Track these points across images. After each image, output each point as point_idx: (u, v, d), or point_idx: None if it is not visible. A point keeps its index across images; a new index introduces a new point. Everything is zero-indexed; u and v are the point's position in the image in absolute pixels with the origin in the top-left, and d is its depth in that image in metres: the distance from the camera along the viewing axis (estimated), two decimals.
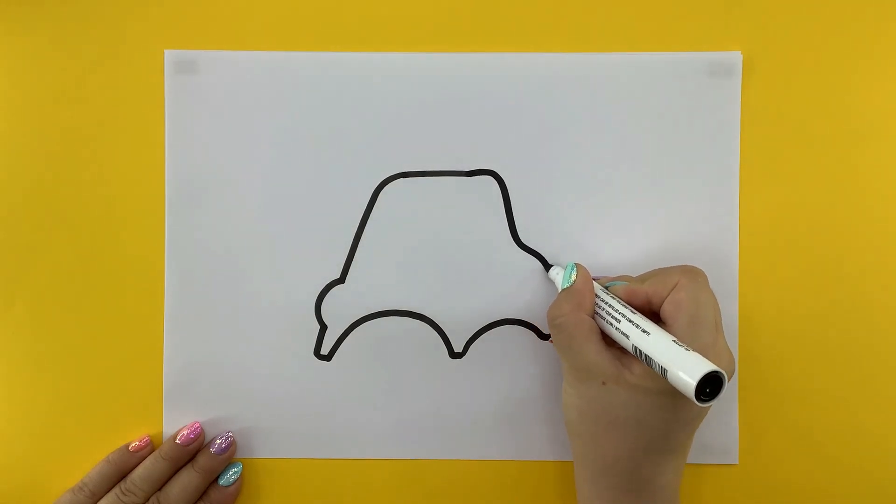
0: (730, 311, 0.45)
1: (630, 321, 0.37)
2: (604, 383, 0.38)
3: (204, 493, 0.44)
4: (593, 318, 0.40)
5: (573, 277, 0.41)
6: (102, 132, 0.45)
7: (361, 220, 0.45)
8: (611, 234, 0.45)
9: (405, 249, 0.45)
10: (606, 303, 0.40)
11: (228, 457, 0.44)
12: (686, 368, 0.33)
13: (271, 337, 0.45)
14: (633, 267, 0.45)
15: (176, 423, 0.45)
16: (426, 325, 0.45)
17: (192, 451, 0.44)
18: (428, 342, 0.45)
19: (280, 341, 0.45)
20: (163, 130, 0.45)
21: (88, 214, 0.45)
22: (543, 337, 0.45)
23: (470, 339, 0.45)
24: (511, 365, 0.45)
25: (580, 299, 0.40)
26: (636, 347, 0.36)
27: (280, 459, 0.45)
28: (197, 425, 0.44)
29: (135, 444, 0.44)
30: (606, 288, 0.41)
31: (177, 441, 0.44)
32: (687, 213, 0.45)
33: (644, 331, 0.36)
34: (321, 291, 0.45)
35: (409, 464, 0.45)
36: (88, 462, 0.45)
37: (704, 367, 0.32)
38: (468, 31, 0.45)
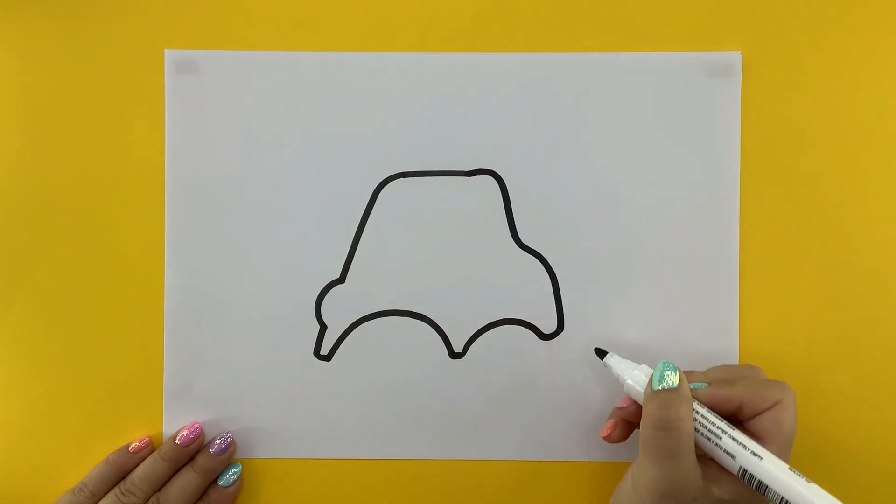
0: (730, 311, 0.45)
1: (734, 439, 0.37)
2: (695, 499, 0.37)
3: (203, 493, 0.44)
4: None
5: (676, 379, 0.38)
6: (102, 132, 0.45)
7: (361, 220, 0.45)
8: (611, 234, 0.45)
9: (405, 249, 0.45)
10: (701, 414, 0.38)
11: (228, 457, 0.44)
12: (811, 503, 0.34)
13: (271, 337, 0.45)
14: (634, 267, 0.45)
15: (176, 423, 0.45)
16: (426, 325, 0.45)
17: (191, 451, 0.44)
18: (428, 342, 0.45)
19: (280, 341, 0.45)
20: (163, 130, 0.45)
21: (88, 214, 0.45)
22: (543, 337, 0.45)
23: (470, 339, 0.45)
24: (511, 365, 0.45)
25: (690, 406, 0.38)
26: (745, 470, 0.36)
27: (280, 459, 0.45)
28: (196, 426, 0.44)
29: (134, 444, 0.44)
30: (692, 389, 0.39)
31: (176, 441, 0.44)
32: (687, 212, 0.45)
33: (754, 454, 0.36)
34: (321, 291, 0.45)
35: (408, 464, 0.45)
36: (88, 462, 0.45)
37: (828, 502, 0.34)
38: (468, 31, 0.45)
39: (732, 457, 0.36)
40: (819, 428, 0.45)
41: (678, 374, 0.38)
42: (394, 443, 0.45)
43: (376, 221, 0.45)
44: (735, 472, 0.36)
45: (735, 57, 0.45)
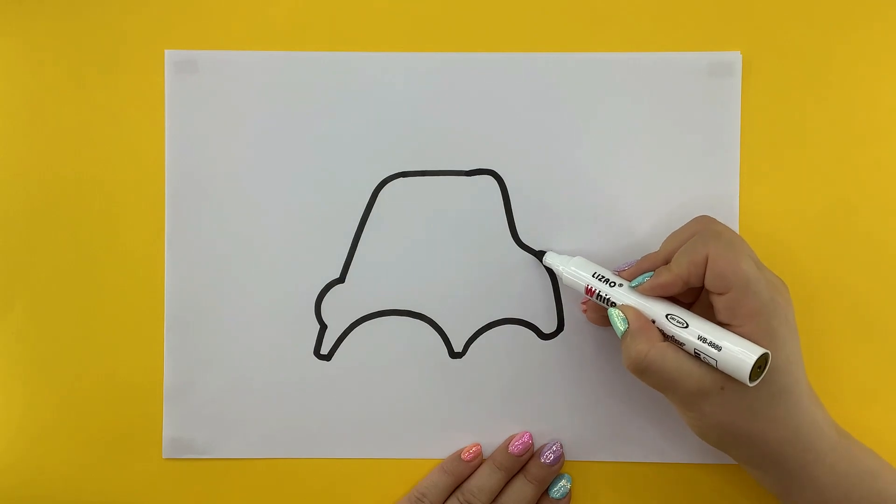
0: None
1: (677, 324, 0.38)
2: (722, 388, 0.37)
3: None
4: (666, 340, 0.38)
5: (626, 320, 0.39)
6: (102, 132, 0.45)
7: (361, 220, 0.45)
8: (611, 234, 0.45)
9: (405, 249, 0.45)
10: (668, 317, 0.39)
11: (559, 467, 0.44)
12: (732, 366, 0.36)
13: (271, 336, 0.45)
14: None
15: (176, 423, 0.45)
16: (426, 324, 0.45)
17: (524, 460, 0.44)
18: (428, 342, 0.45)
19: (280, 341, 0.45)
20: (163, 130, 0.45)
21: (88, 214, 0.45)
22: (543, 337, 0.45)
23: (470, 338, 0.45)
24: (511, 365, 0.45)
25: (647, 333, 0.38)
26: (696, 351, 0.37)
27: (280, 459, 0.45)
28: (528, 435, 0.44)
29: (468, 453, 0.44)
30: (633, 288, 0.39)
31: (510, 451, 0.44)
32: (687, 212, 0.45)
33: (682, 324, 0.37)
34: (321, 291, 0.45)
35: (408, 463, 0.45)
36: (88, 462, 0.45)
37: (752, 355, 0.35)
38: (468, 31, 0.45)
39: (682, 344, 0.37)
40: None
41: (618, 316, 0.39)
42: (394, 443, 0.45)
43: (376, 221, 0.45)
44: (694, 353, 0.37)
45: (735, 57, 0.45)
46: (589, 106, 0.45)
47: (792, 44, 0.45)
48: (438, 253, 0.45)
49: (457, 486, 0.44)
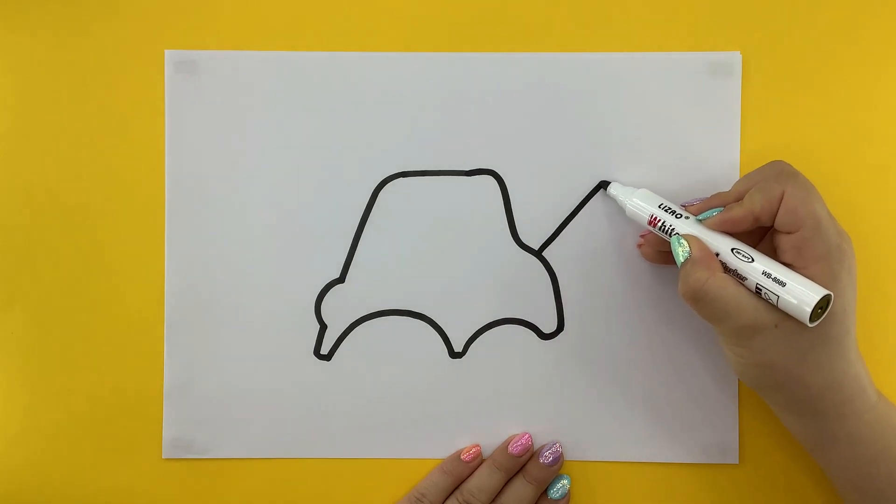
0: None
1: (743, 259, 0.37)
2: (777, 326, 0.36)
3: None
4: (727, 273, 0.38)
5: (688, 248, 0.38)
6: (102, 132, 0.45)
7: (361, 220, 0.45)
8: (611, 234, 0.45)
9: (405, 249, 0.45)
10: (732, 250, 0.38)
11: (558, 468, 0.44)
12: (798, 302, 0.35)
13: (271, 337, 0.45)
14: (633, 267, 0.45)
15: (176, 423, 0.45)
16: (426, 324, 0.45)
17: (523, 461, 0.44)
18: (428, 342, 0.45)
19: (280, 341, 0.45)
20: (163, 130, 0.45)
21: (88, 214, 0.45)
22: (543, 337, 0.45)
23: (470, 338, 0.45)
24: (511, 365, 0.45)
25: (709, 263, 0.37)
26: (757, 287, 0.37)
27: (279, 459, 0.45)
28: (528, 436, 0.44)
29: (467, 454, 0.44)
30: (700, 221, 0.39)
31: (509, 451, 0.44)
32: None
33: (749, 260, 0.37)
34: (321, 291, 0.45)
35: (408, 463, 0.45)
36: (88, 462, 0.45)
37: (815, 295, 0.35)
38: (468, 31, 0.45)
39: (743, 279, 0.37)
40: None
41: (680, 243, 0.38)
42: (394, 443, 0.45)
43: (376, 221, 0.45)
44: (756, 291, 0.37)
45: (735, 57, 0.45)
46: (589, 106, 0.45)
47: (792, 44, 0.45)
48: (438, 253, 0.45)
49: (456, 487, 0.44)
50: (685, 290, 0.38)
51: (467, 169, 0.45)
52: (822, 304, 0.36)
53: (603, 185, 0.44)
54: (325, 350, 0.45)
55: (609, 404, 0.45)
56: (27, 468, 0.45)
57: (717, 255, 0.38)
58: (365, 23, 0.45)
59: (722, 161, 0.45)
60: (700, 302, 0.37)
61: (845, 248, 0.37)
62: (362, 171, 0.45)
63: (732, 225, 0.38)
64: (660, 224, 0.40)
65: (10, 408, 0.45)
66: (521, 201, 0.45)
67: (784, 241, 0.37)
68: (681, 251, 0.38)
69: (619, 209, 0.45)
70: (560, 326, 0.45)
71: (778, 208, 0.37)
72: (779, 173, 0.38)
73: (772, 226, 0.38)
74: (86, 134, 0.45)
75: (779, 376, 0.38)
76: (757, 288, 0.37)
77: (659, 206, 0.41)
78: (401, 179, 0.45)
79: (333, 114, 0.45)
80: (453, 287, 0.45)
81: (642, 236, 0.43)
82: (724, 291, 0.37)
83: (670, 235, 0.40)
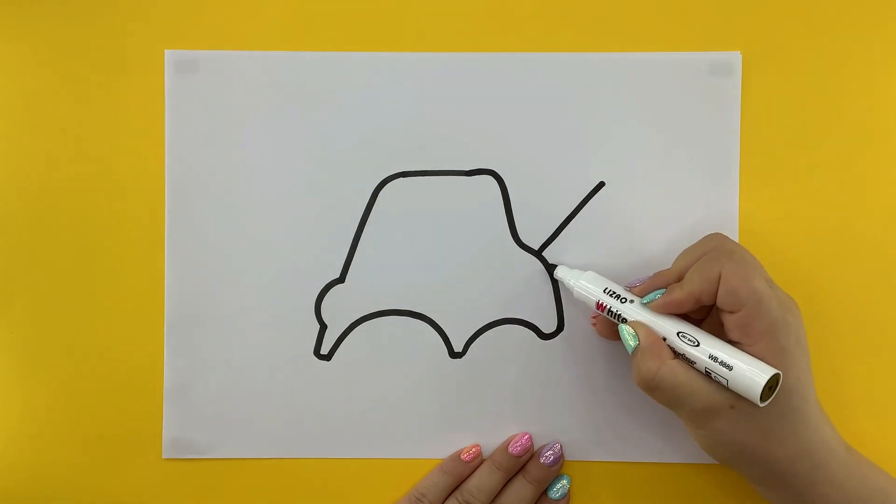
0: None
1: (687, 342, 0.38)
2: (732, 407, 0.37)
3: None
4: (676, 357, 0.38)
5: (636, 337, 0.39)
6: (102, 132, 0.45)
7: (361, 220, 0.45)
8: (611, 234, 0.45)
9: (405, 249, 0.45)
10: (677, 335, 0.38)
11: (559, 468, 0.44)
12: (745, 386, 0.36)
13: (271, 336, 0.45)
14: (633, 268, 0.45)
15: (176, 423, 0.45)
16: (426, 324, 0.45)
17: (523, 461, 0.44)
18: (428, 342, 0.45)
19: (280, 341, 0.45)
20: (163, 130, 0.45)
21: (88, 214, 0.45)
22: (543, 337, 0.45)
23: (470, 338, 0.45)
24: (511, 365, 0.45)
25: (657, 351, 0.38)
26: (706, 370, 0.37)
27: (279, 459, 0.45)
28: (528, 436, 0.44)
29: (467, 454, 0.44)
30: (645, 304, 0.39)
31: (509, 451, 0.44)
32: (687, 212, 0.45)
33: (692, 343, 0.37)
34: (321, 291, 0.45)
35: (408, 463, 0.45)
36: (89, 462, 0.45)
37: (763, 376, 0.35)
38: (468, 31, 0.45)
39: (692, 362, 0.37)
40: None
41: (629, 332, 0.39)
42: (394, 443, 0.45)
43: (376, 221, 0.45)
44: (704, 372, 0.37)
45: (735, 57, 0.45)
46: (589, 106, 0.45)
47: (792, 44, 0.45)
48: (438, 253, 0.45)
49: (456, 487, 0.44)
50: (638, 380, 0.38)
51: (467, 169, 0.45)
52: (772, 383, 0.36)
53: (549, 268, 0.45)
54: (325, 350, 0.45)
55: (609, 404, 0.45)
56: (27, 468, 0.45)
57: (665, 339, 0.38)
58: (365, 23, 0.45)
59: (722, 161, 0.45)
60: (655, 391, 0.38)
61: (790, 319, 0.37)
62: (362, 171, 0.45)
63: (676, 307, 0.38)
64: (607, 309, 0.41)
65: (9, 408, 0.45)
66: (521, 201, 0.45)
67: (728, 320, 0.37)
68: (630, 340, 0.39)
69: (619, 209, 0.45)
70: (560, 326, 0.45)
71: (716, 288, 0.37)
72: (715, 250, 0.38)
73: (714, 304, 0.38)
74: (86, 134, 0.45)
75: (745, 453, 0.38)
76: (706, 370, 0.37)
77: (605, 291, 0.41)
78: (401, 179, 0.45)
79: (333, 114, 0.45)
80: (453, 287, 0.45)
81: (594, 317, 0.44)
82: (676, 378, 0.37)
83: (618, 320, 0.40)
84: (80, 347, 0.45)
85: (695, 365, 0.37)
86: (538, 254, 0.45)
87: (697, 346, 0.37)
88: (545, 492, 0.44)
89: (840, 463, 0.38)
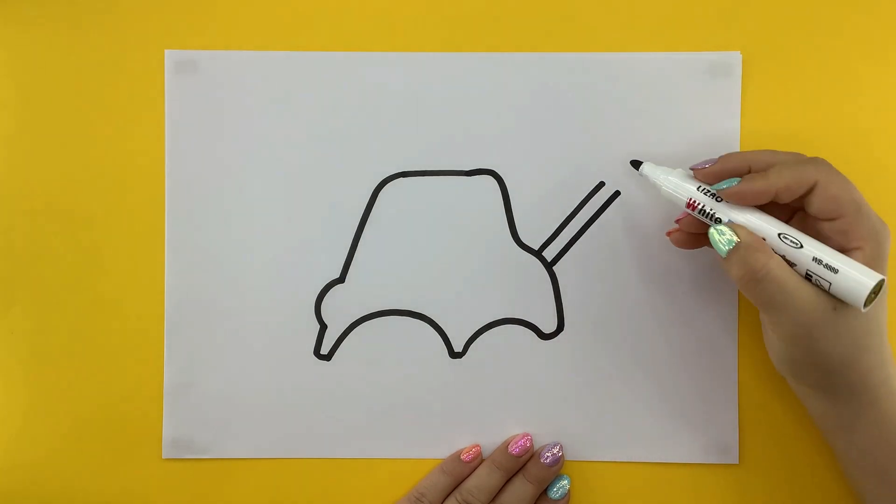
0: (729, 312, 0.45)
1: (791, 243, 0.37)
2: (835, 309, 0.36)
3: None
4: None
5: (735, 236, 0.37)
6: (102, 132, 0.45)
7: (361, 220, 0.45)
8: (611, 234, 0.45)
9: (405, 249, 0.45)
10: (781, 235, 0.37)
11: (559, 468, 0.44)
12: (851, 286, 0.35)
13: (271, 336, 0.45)
14: (633, 267, 0.45)
15: (176, 423, 0.45)
16: (426, 324, 0.45)
17: (523, 461, 0.44)
18: (428, 342, 0.45)
19: (280, 341, 0.45)
20: (163, 130, 0.45)
21: (88, 214, 0.45)
22: (543, 337, 0.45)
23: (470, 338, 0.45)
24: (511, 365, 0.45)
25: (765, 247, 0.36)
26: (808, 273, 0.36)
27: (279, 459, 0.45)
28: (528, 436, 0.44)
29: (467, 454, 0.44)
30: (714, 191, 0.38)
31: (510, 451, 0.44)
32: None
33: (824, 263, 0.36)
34: (321, 291, 0.45)
35: (408, 463, 0.45)
36: (89, 462, 0.45)
37: (870, 281, 0.35)
38: (468, 31, 0.45)
39: (792, 264, 0.36)
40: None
41: (729, 231, 0.37)
42: (394, 443, 0.45)
43: (376, 221, 0.45)
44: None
45: (735, 57, 0.45)
46: (589, 106, 0.45)
47: (792, 44, 0.45)
48: (438, 253, 0.45)
49: (456, 487, 0.44)
50: (744, 273, 0.36)
51: (467, 169, 0.45)
52: (876, 289, 0.35)
53: (634, 164, 0.43)
54: (325, 350, 0.45)
55: (609, 404, 0.45)
56: (27, 468, 0.45)
57: (764, 239, 0.37)
58: (365, 23, 0.45)
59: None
60: (760, 285, 0.36)
61: (886, 230, 0.37)
62: (362, 171, 0.45)
63: (754, 197, 0.37)
64: (699, 208, 0.39)
65: (10, 408, 0.45)
66: (521, 201, 0.45)
67: (826, 228, 0.37)
68: (727, 237, 0.37)
69: (619, 209, 0.45)
70: (560, 326, 0.45)
71: (806, 192, 0.37)
72: (811, 159, 0.38)
73: (787, 206, 0.38)
74: (86, 134, 0.45)
75: (834, 364, 0.37)
76: (807, 274, 0.36)
77: (698, 189, 0.39)
78: (401, 179, 0.45)
79: (333, 114, 0.45)
80: (453, 287, 0.45)
81: (678, 221, 0.41)
82: (784, 273, 0.36)
83: (711, 219, 0.38)
84: (81, 348, 0.45)
85: (794, 268, 0.36)
86: (538, 254, 0.45)
87: (800, 248, 0.36)
88: (545, 492, 0.44)
89: None
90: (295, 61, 0.45)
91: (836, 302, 0.36)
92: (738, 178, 0.38)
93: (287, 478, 0.45)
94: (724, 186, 0.38)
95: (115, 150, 0.45)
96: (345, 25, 0.45)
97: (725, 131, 0.45)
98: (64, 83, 0.45)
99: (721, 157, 0.39)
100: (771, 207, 0.38)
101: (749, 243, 0.36)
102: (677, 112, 0.45)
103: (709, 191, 0.39)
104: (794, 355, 0.38)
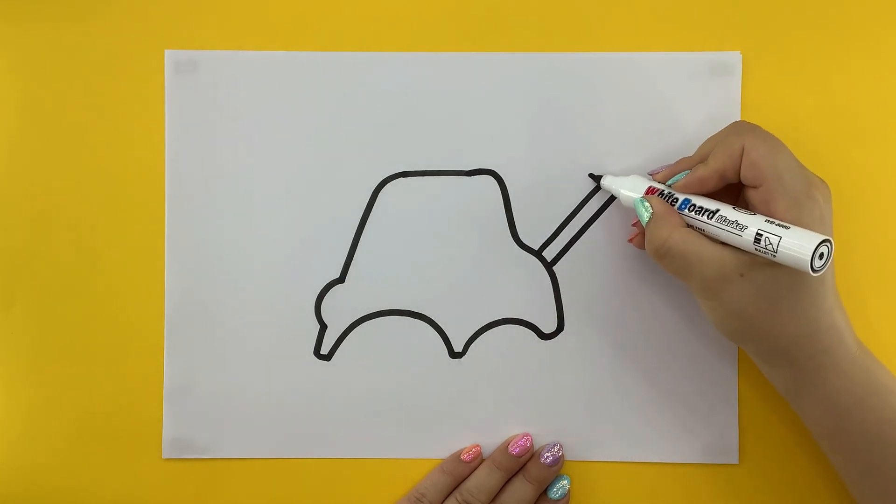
0: None
1: (723, 217, 0.37)
2: (742, 275, 0.36)
3: None
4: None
5: (650, 208, 0.39)
6: (102, 132, 0.45)
7: (361, 220, 0.45)
8: (611, 234, 0.45)
9: (405, 249, 0.45)
10: (695, 208, 0.38)
11: (558, 468, 0.44)
12: (793, 246, 0.34)
13: (271, 336, 0.45)
14: (633, 267, 0.45)
15: (176, 423, 0.45)
16: (426, 324, 0.45)
17: (523, 461, 0.44)
18: (428, 342, 0.45)
19: (280, 341, 0.45)
20: (163, 130, 0.45)
21: (88, 214, 0.45)
22: (543, 337, 0.45)
23: (470, 338, 0.45)
24: (511, 365, 0.45)
25: (669, 220, 0.38)
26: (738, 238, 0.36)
27: (279, 459, 0.45)
28: (528, 436, 0.44)
29: (467, 454, 0.44)
30: (669, 186, 0.40)
31: (509, 451, 0.44)
32: None
33: (738, 224, 0.36)
34: (321, 291, 0.45)
35: (408, 463, 0.45)
36: (88, 462, 0.45)
37: (812, 240, 0.34)
38: (468, 31, 0.45)
39: (727, 231, 0.37)
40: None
41: (645, 203, 0.39)
42: (394, 443, 0.45)
43: (376, 221, 0.45)
44: (729, 243, 0.37)
45: (735, 57, 0.45)
46: (589, 106, 0.45)
47: (792, 44, 0.45)
48: (438, 253, 0.45)
49: (456, 487, 0.44)
50: (649, 248, 0.39)
51: (467, 169, 0.45)
52: (821, 253, 0.34)
53: (594, 178, 0.44)
54: (325, 350, 0.45)
55: (609, 404, 0.45)
56: (27, 468, 0.45)
57: (718, 211, 0.37)
58: (365, 23, 0.45)
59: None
60: (665, 258, 0.38)
61: (816, 195, 0.37)
62: (362, 171, 0.45)
63: (699, 184, 0.39)
64: (658, 192, 0.40)
65: (10, 408, 0.45)
66: (521, 201, 0.45)
67: (752, 196, 0.37)
68: (644, 212, 0.39)
69: (619, 209, 0.45)
70: (560, 326, 0.45)
71: (740, 164, 0.37)
72: (737, 128, 0.39)
73: (740, 183, 0.38)
74: (86, 134, 0.45)
75: (752, 326, 0.38)
76: (756, 237, 0.35)
77: (646, 191, 0.41)
78: (401, 179, 0.45)
79: (333, 114, 0.45)
80: (453, 287, 0.45)
81: (634, 224, 0.43)
82: (686, 245, 0.37)
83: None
84: (81, 348, 0.45)
85: (743, 234, 0.36)
86: (538, 254, 0.45)
87: (754, 215, 0.36)
88: (545, 492, 0.44)
89: (848, 353, 0.38)
90: (295, 61, 0.45)
91: (745, 266, 0.36)
92: (688, 171, 0.39)
93: (287, 478, 0.45)
94: (673, 181, 0.40)
95: (115, 150, 0.45)
96: (345, 26, 0.45)
97: None
98: (64, 83, 0.45)
99: (676, 161, 0.41)
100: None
101: (657, 216, 0.38)
102: (677, 112, 0.45)
103: (661, 191, 0.40)
104: (714, 319, 0.39)
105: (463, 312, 0.45)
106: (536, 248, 0.45)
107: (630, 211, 0.43)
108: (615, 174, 0.44)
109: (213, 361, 0.45)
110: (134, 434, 0.45)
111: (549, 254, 0.45)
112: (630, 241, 0.43)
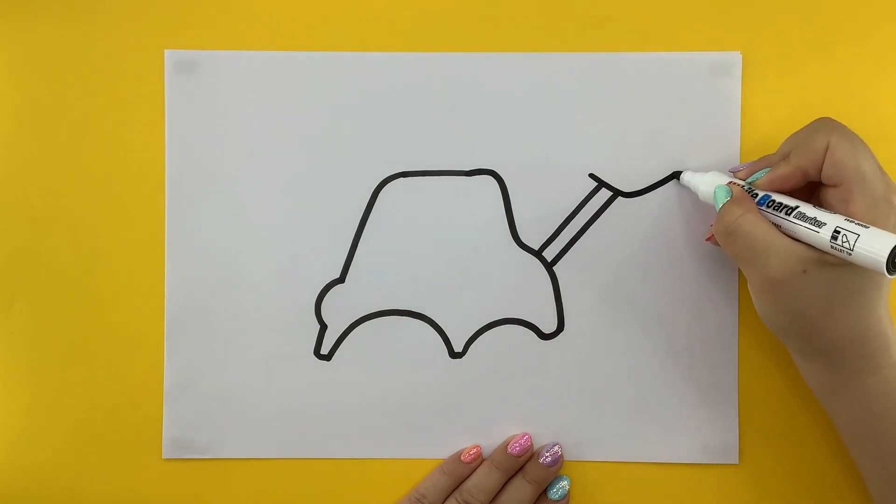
0: (729, 312, 0.45)
1: (802, 214, 0.36)
2: (805, 271, 0.36)
3: None
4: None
5: (730, 191, 0.39)
6: (102, 132, 0.45)
7: (361, 220, 0.45)
8: (612, 234, 0.45)
9: (405, 249, 0.45)
10: (775, 202, 0.38)
11: (558, 469, 0.44)
12: (871, 245, 0.33)
13: (271, 336, 0.45)
14: (633, 267, 0.45)
15: (176, 423, 0.45)
16: (426, 324, 0.45)
17: (522, 461, 0.44)
18: (428, 342, 0.45)
19: (280, 341, 0.45)
20: (163, 130, 0.45)
21: (88, 214, 0.45)
22: (543, 337, 0.45)
23: (470, 338, 0.45)
24: (511, 365, 0.45)
25: (746, 202, 0.38)
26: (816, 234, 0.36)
27: (279, 459, 0.45)
28: (527, 436, 0.44)
29: (468, 454, 0.44)
30: (750, 183, 0.40)
31: (508, 451, 0.44)
32: (686, 212, 0.45)
33: (817, 221, 0.36)
34: (321, 291, 0.45)
35: (408, 463, 0.45)
36: (88, 462, 0.45)
37: (890, 240, 0.33)
38: (468, 31, 0.45)
39: (805, 226, 0.36)
40: (819, 427, 0.45)
41: (725, 188, 0.39)
42: (394, 443, 0.45)
43: (376, 221, 0.45)
44: (810, 242, 0.36)
45: (735, 57, 0.45)
46: (589, 106, 0.45)
47: (792, 44, 0.45)
48: (438, 253, 0.45)
49: (456, 487, 0.44)
50: (718, 227, 0.38)
51: (467, 169, 0.45)
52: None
53: (675, 175, 0.44)
54: (325, 350, 0.45)
55: (609, 404, 0.45)
56: (27, 468, 0.45)
57: (797, 207, 0.37)
58: (365, 23, 0.45)
59: (722, 161, 0.45)
60: (731, 236, 0.37)
61: (894, 200, 0.36)
62: (362, 171, 0.45)
63: (782, 181, 0.38)
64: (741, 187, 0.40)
65: (10, 408, 0.45)
66: (521, 201, 0.45)
67: (831, 196, 0.37)
68: (724, 196, 0.39)
69: (618, 210, 0.45)
70: (560, 326, 0.45)
71: (823, 161, 0.37)
72: (822, 126, 0.38)
73: (820, 181, 0.37)
74: (86, 134, 0.45)
75: (803, 324, 0.37)
76: (834, 234, 0.35)
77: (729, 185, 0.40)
78: (401, 179, 0.45)
79: (333, 114, 0.45)
80: (453, 287, 0.45)
81: (713, 225, 0.42)
82: (756, 228, 0.37)
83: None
84: (81, 348, 0.45)
85: (820, 231, 0.35)
86: (538, 254, 0.45)
87: (833, 213, 0.36)
88: (545, 492, 0.44)
89: (890, 360, 0.37)
90: (295, 61, 0.45)
91: (809, 264, 0.36)
92: (768, 168, 0.39)
93: (287, 478, 0.45)
94: (754, 178, 0.39)
95: (115, 150, 0.45)
96: (345, 26, 0.45)
97: (725, 131, 0.45)
98: (64, 83, 0.45)
99: (758, 159, 0.41)
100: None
101: (734, 198, 0.38)
102: (677, 112, 0.45)
103: (743, 188, 0.40)
104: (766, 312, 0.39)
105: (463, 312, 0.45)
106: (536, 248, 0.45)
107: (707, 208, 0.42)
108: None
109: (213, 361, 0.45)
110: (134, 434, 0.45)
111: (549, 254, 0.45)
112: (707, 239, 0.43)
